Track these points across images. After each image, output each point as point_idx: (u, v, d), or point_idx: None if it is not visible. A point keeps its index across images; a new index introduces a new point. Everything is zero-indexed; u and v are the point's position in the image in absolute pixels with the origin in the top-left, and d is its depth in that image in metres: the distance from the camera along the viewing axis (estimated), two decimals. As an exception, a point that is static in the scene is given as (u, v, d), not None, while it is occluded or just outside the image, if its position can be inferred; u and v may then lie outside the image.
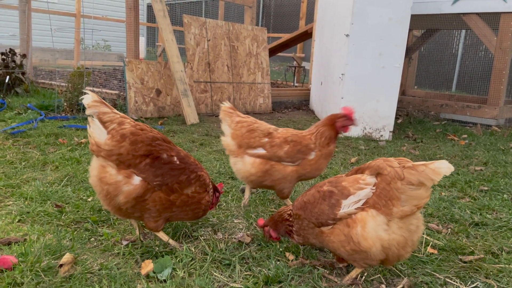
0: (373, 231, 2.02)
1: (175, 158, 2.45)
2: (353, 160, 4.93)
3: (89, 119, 2.36)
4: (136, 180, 2.33)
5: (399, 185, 1.99)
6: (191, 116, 6.65)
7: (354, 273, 2.28)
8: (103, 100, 2.40)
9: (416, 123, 7.81)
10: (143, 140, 2.34)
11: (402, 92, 9.70)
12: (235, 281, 2.23)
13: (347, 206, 2.10)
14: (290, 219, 2.39)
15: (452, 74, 15.59)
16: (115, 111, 2.40)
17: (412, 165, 2.01)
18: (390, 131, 6.52)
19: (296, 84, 12.08)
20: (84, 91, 2.34)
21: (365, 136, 6.54)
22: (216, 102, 7.74)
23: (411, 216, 2.04)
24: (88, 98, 2.33)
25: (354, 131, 6.53)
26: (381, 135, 6.53)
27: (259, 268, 2.37)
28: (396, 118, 7.24)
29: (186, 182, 2.46)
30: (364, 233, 2.04)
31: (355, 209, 2.08)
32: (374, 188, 2.07)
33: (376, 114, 6.47)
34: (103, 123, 2.33)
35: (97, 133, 2.33)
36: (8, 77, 7.41)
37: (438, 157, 5.34)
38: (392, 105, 6.45)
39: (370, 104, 6.44)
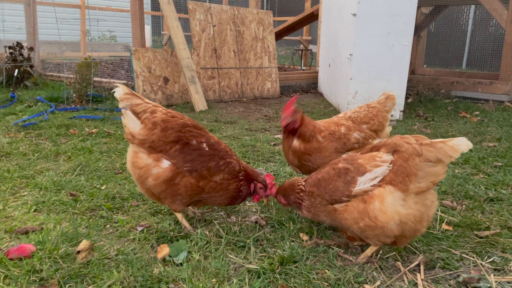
0: (391, 205, 2.03)
1: (205, 145, 2.45)
2: (364, 140, 4.90)
3: (123, 110, 2.42)
4: (165, 163, 2.38)
5: (417, 162, 2.00)
6: (199, 103, 6.65)
7: (369, 251, 2.28)
8: (134, 91, 2.43)
9: (427, 102, 7.71)
10: (173, 127, 2.38)
11: (412, 71, 9.56)
12: (250, 262, 2.24)
13: (363, 183, 2.10)
14: (302, 194, 2.37)
15: (462, 51, 15.32)
16: (147, 100, 2.45)
17: (430, 142, 2.02)
18: (400, 111, 6.45)
19: (303, 68, 11.97)
20: (115, 84, 2.40)
21: (375, 117, 6.47)
22: (224, 88, 7.72)
23: (427, 191, 2.05)
24: (119, 92, 2.39)
25: (364, 112, 6.46)
26: (392, 115, 6.46)
27: (274, 249, 2.38)
28: (406, 98, 7.14)
29: (215, 169, 2.45)
30: (383, 207, 2.04)
31: (371, 186, 2.08)
32: (390, 165, 2.07)
33: (386, 94, 6.39)
34: (136, 114, 2.40)
35: (131, 124, 2.41)
36: (16, 70, 7.45)
37: (450, 134, 5.28)
38: (402, 84, 6.36)
39: (379, 84, 6.36)
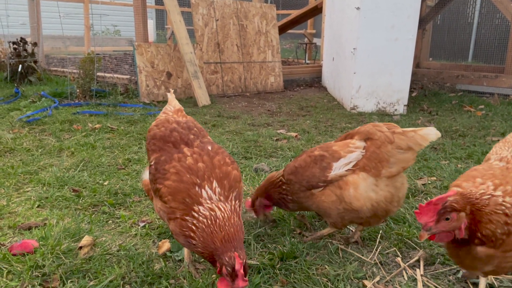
0: (364, 192, 2.16)
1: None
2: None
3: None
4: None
5: (389, 149, 2.15)
6: (202, 98, 6.65)
7: (326, 231, 2.42)
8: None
9: (431, 96, 7.66)
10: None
11: (417, 65, 9.49)
12: (251, 258, 2.25)
13: (338, 168, 2.22)
14: (284, 187, 2.41)
15: (468, 44, 15.18)
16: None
17: (402, 131, 2.18)
18: (404, 105, 6.42)
19: (307, 61, 11.92)
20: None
21: (379, 111, 6.46)
22: (227, 83, 7.71)
23: (397, 175, 2.19)
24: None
25: (367, 106, 6.44)
26: (395, 109, 6.44)
27: (274, 244, 2.39)
28: (411, 92, 7.10)
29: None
30: (357, 194, 2.17)
31: (346, 171, 2.20)
32: (364, 151, 2.20)
33: (390, 87, 6.37)
34: None
35: None
36: (20, 66, 7.48)
37: (454, 129, 5.25)
38: (406, 78, 6.33)
39: (383, 78, 6.33)
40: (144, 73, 6.65)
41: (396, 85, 6.33)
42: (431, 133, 2.12)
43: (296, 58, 12.89)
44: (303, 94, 8.10)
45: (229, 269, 1.60)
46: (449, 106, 6.87)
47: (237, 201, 1.86)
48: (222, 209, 1.75)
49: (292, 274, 2.11)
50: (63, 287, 1.94)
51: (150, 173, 2.02)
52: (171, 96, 2.51)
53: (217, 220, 1.71)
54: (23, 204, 2.85)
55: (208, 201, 1.77)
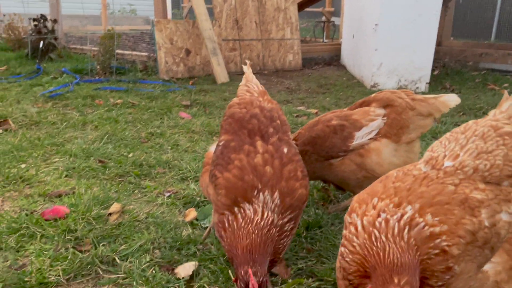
0: (387, 158, 2.18)
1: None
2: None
3: None
4: None
5: (410, 115, 2.18)
6: (221, 75, 6.63)
7: (349, 202, 2.38)
8: None
9: (454, 74, 7.50)
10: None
11: (438, 43, 9.26)
12: (276, 227, 2.28)
13: (360, 137, 2.21)
14: None
15: (491, 22, 14.73)
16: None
17: (423, 97, 2.19)
18: (426, 83, 6.31)
19: (325, 40, 11.74)
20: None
21: (400, 89, 6.35)
22: (245, 60, 7.66)
23: (415, 141, 2.24)
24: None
25: (388, 84, 6.35)
26: (417, 87, 6.33)
27: (299, 215, 2.41)
28: (432, 70, 6.96)
29: None
30: (380, 160, 2.18)
31: (368, 139, 2.20)
32: (384, 118, 2.20)
33: (412, 65, 6.25)
34: None
35: None
36: (41, 42, 7.55)
37: (478, 106, 5.15)
38: (428, 55, 6.20)
39: (405, 55, 6.21)
40: (163, 50, 6.64)
41: (418, 62, 6.21)
42: (451, 100, 2.15)
43: (314, 37, 12.70)
44: (322, 72, 8.01)
45: (242, 285, 1.46)
46: (472, 85, 6.72)
47: (291, 222, 1.63)
48: (265, 216, 1.56)
49: (318, 242, 2.13)
50: (95, 250, 1.99)
51: (215, 152, 1.85)
52: (248, 71, 2.22)
53: (249, 225, 1.54)
54: (51, 173, 2.92)
55: (260, 203, 1.59)
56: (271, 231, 1.55)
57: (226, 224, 1.60)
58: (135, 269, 1.88)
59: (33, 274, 1.80)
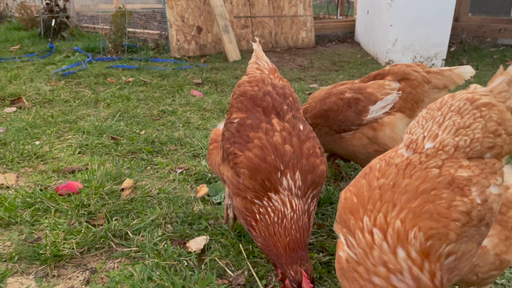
0: (400, 133, 2.12)
1: None
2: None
3: None
4: None
5: (426, 89, 2.14)
6: (232, 52, 6.56)
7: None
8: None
9: (471, 51, 7.30)
10: None
11: (456, 19, 9.00)
12: (287, 203, 2.28)
13: (375, 111, 2.15)
14: None
15: (511, -3, 14.21)
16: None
17: (438, 70, 2.14)
18: (442, 59, 6.16)
19: (339, 17, 11.51)
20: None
21: (414, 66, 6.22)
22: (254, 37, 7.56)
23: None
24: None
25: (403, 61, 6.21)
26: (433, 64, 6.19)
27: (310, 191, 2.40)
28: (449, 47, 6.78)
29: None
30: (394, 134, 2.13)
31: (382, 113, 2.15)
32: (399, 92, 2.15)
33: (428, 41, 6.09)
34: None
35: None
36: (53, 21, 7.55)
37: (496, 83, 5.02)
38: (445, 30, 6.03)
39: (421, 31, 6.05)
40: (175, 27, 6.59)
41: (435, 38, 6.05)
42: (467, 71, 2.12)
43: (327, 14, 12.46)
44: (335, 49, 7.88)
45: (294, 285, 1.47)
46: (490, 61, 6.54)
47: (314, 200, 1.63)
48: (294, 206, 1.54)
49: (329, 218, 2.13)
50: (108, 224, 2.02)
51: (227, 130, 1.78)
52: (258, 48, 2.16)
53: (284, 220, 1.51)
54: (65, 150, 2.95)
55: (285, 193, 1.56)
56: (304, 221, 1.54)
57: (257, 215, 1.56)
58: (147, 242, 1.90)
59: (47, 247, 1.84)
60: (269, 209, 1.54)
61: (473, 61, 6.55)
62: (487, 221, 1.27)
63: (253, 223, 1.56)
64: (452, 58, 6.72)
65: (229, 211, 1.95)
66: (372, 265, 1.16)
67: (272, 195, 1.55)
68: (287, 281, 1.47)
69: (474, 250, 1.28)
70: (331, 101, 2.25)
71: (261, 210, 1.55)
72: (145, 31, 7.43)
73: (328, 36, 8.83)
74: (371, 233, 1.18)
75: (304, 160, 1.61)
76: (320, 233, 2.02)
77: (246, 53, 7.12)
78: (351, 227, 1.23)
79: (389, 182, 1.27)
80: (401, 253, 1.14)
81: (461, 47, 7.57)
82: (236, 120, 1.77)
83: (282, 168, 1.58)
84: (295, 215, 1.52)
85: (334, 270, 1.76)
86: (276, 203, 1.54)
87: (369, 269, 1.16)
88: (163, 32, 7.01)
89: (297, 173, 1.59)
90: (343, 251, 1.23)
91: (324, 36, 8.76)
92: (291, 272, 1.46)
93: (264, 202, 1.55)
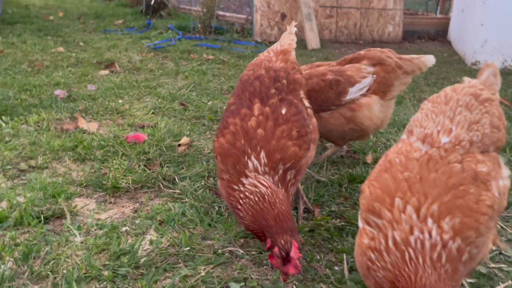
0: (376, 113, 2.35)
1: None
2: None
3: None
4: None
5: (398, 74, 2.35)
6: (312, 41, 6.69)
7: (330, 152, 2.59)
8: None
9: None
10: None
11: None
12: (321, 176, 2.44)
13: (353, 93, 2.32)
14: None
15: None
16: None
17: (409, 57, 2.40)
18: (536, 65, 5.70)
19: (439, 15, 10.96)
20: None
21: (504, 70, 5.83)
22: (341, 28, 7.58)
23: (394, 97, 2.45)
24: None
25: (491, 63, 5.86)
26: (524, 68, 5.76)
27: (347, 169, 2.54)
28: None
29: None
30: (371, 115, 2.34)
31: (359, 95, 2.33)
32: (374, 76, 2.34)
33: (522, 44, 5.67)
34: None
35: None
36: (153, 0, 8.26)
37: None
38: (544, 34, 5.57)
39: (515, 32, 5.65)
40: (260, 12, 6.88)
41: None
42: (430, 60, 2.39)
43: (426, 11, 11.91)
44: (422, 46, 7.61)
45: (283, 253, 1.49)
46: None
47: (289, 172, 1.68)
48: (266, 183, 1.61)
49: (356, 194, 2.25)
50: (161, 169, 2.36)
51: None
52: (287, 31, 2.27)
53: (266, 197, 1.58)
54: (141, 110, 3.38)
55: (252, 174, 1.63)
56: (282, 192, 1.62)
57: (240, 200, 1.63)
58: (189, 188, 2.20)
59: (109, 180, 2.22)
60: (247, 193, 1.61)
61: None
62: (499, 213, 1.35)
63: (239, 206, 1.63)
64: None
65: None
66: (395, 225, 1.22)
67: (243, 180, 1.63)
68: (276, 249, 1.49)
69: (488, 240, 1.34)
70: (313, 82, 2.35)
71: (241, 195, 1.62)
72: (234, 15, 7.82)
73: (418, 32, 8.51)
74: (403, 210, 1.23)
75: (274, 141, 1.66)
76: (344, 204, 2.17)
77: (327, 43, 7.20)
78: (376, 209, 1.28)
79: (415, 175, 1.30)
80: (430, 221, 1.19)
81: None
82: (228, 106, 1.88)
83: (249, 151, 1.65)
84: (270, 190, 1.59)
85: (346, 234, 1.92)
86: (249, 187, 1.61)
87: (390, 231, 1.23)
88: (250, 17, 7.34)
89: (262, 153, 1.65)
90: (362, 234, 1.30)
91: (414, 32, 8.46)
92: (281, 241, 1.50)
93: (241, 187, 1.63)
